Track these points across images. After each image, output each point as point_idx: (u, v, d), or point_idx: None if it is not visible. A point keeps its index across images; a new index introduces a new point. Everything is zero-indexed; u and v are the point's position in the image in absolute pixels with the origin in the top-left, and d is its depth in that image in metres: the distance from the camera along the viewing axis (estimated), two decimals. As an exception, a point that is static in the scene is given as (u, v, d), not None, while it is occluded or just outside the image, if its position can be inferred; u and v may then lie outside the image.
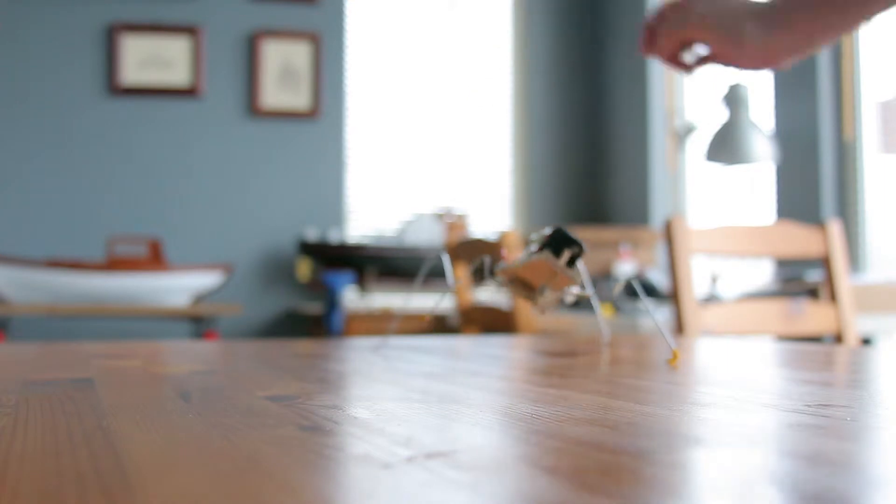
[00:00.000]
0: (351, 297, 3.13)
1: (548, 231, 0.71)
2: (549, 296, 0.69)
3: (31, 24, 3.35)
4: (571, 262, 0.69)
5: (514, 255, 0.76)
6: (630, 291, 2.41)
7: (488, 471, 0.27)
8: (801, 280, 2.33)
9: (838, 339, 1.65)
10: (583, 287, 0.73)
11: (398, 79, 3.71)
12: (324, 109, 3.56)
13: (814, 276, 2.31)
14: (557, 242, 0.69)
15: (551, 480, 0.26)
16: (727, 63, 0.91)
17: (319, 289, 3.45)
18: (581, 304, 2.56)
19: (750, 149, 2.71)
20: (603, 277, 2.74)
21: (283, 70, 3.51)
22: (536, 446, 0.32)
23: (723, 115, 2.80)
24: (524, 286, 0.73)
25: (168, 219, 3.43)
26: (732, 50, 0.89)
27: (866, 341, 2.48)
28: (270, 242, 3.50)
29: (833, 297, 1.65)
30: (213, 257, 3.45)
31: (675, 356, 0.61)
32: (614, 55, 3.78)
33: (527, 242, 0.71)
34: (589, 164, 3.88)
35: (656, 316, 0.56)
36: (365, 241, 3.28)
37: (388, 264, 3.22)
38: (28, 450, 0.31)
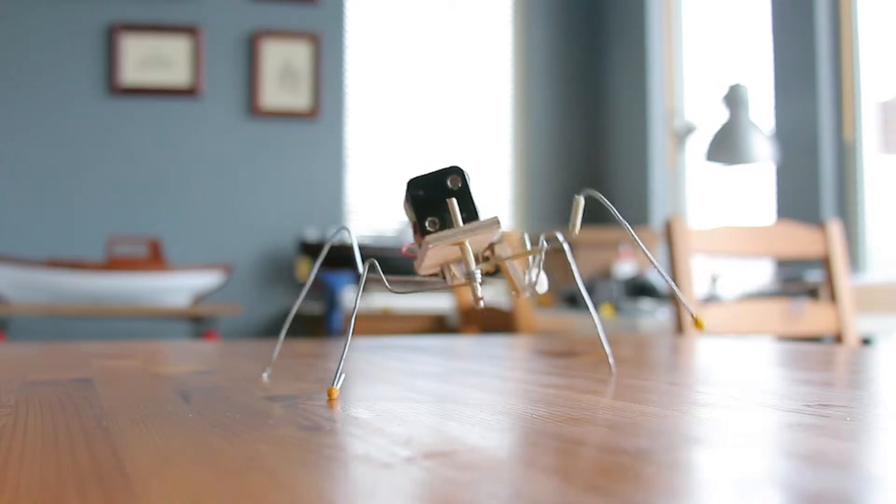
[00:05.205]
0: (351, 297, 3.13)
1: (406, 191, 0.47)
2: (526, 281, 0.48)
3: (31, 24, 3.35)
4: (473, 213, 0.46)
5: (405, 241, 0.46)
6: (630, 291, 2.41)
7: (488, 471, 0.27)
8: (801, 280, 2.33)
9: (838, 339, 1.65)
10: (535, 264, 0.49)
11: (398, 78, 3.71)
12: (324, 109, 3.56)
13: (814, 276, 2.31)
14: (430, 201, 0.46)
15: (551, 480, 0.26)
16: None
17: (319, 289, 3.45)
18: (580, 303, 2.55)
19: (750, 149, 2.71)
20: (603, 278, 2.74)
21: (283, 70, 3.51)
22: (536, 446, 0.32)
23: (723, 115, 2.80)
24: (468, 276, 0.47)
25: (168, 219, 3.42)
26: None
27: (866, 341, 2.48)
28: (270, 242, 3.50)
29: (833, 297, 1.65)
30: (213, 257, 3.45)
31: (697, 322, 0.46)
32: (614, 55, 3.78)
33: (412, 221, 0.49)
34: (589, 165, 3.88)
35: (669, 279, 0.51)
36: (365, 241, 3.28)
37: (388, 264, 3.22)
38: (28, 450, 0.31)
